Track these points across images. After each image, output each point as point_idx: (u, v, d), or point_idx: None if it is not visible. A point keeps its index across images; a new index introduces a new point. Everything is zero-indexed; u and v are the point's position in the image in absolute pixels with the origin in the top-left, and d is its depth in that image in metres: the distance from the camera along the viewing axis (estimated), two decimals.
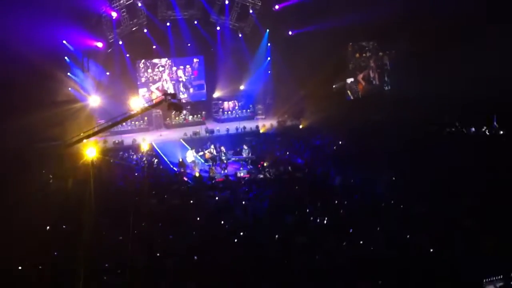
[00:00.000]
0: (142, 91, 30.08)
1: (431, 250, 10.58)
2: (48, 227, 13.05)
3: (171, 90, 28.91)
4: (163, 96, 18.42)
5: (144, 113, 28.65)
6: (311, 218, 13.69)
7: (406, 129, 22.79)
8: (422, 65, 25.90)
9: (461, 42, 23.88)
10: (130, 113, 20.45)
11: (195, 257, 10.92)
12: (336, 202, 14.90)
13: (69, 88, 25.63)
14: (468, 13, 22.89)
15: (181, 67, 30.97)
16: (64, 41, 24.70)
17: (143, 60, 29.80)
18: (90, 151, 19.44)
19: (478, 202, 13.01)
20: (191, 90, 31.42)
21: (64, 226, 13.36)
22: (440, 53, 24.99)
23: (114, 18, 26.00)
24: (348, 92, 31.10)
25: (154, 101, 23.27)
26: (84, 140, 18.46)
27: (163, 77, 30.53)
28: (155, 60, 30.23)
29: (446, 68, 24.58)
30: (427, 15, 24.38)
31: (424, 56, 25.72)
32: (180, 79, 31.00)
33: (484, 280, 8.75)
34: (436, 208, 13.02)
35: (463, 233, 11.19)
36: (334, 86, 30.95)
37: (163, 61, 30.43)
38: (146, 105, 23.56)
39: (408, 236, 11.41)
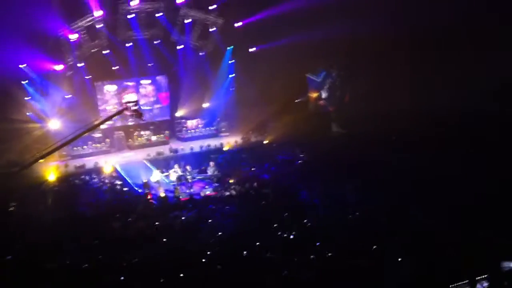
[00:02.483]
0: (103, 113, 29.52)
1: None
2: (8, 257, 12.63)
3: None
4: (125, 105, 18.22)
5: (106, 135, 28.43)
6: (279, 233, 13.74)
7: (367, 141, 23.16)
8: (382, 82, 26.34)
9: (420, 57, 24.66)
10: (87, 126, 19.47)
11: (161, 280, 10.76)
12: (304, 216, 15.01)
13: (27, 113, 25.15)
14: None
15: (142, 88, 30.68)
16: (21, 65, 24.27)
17: (99, 83, 29.28)
18: (51, 175, 19.08)
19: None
20: (153, 110, 31.10)
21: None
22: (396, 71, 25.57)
23: (73, 40, 25.67)
24: (311, 106, 31.41)
25: (116, 111, 22.86)
26: (41, 161, 17.92)
27: (123, 98, 29.85)
28: (112, 85, 29.82)
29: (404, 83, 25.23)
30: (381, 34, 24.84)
31: (379, 74, 26.24)
32: (142, 99, 30.57)
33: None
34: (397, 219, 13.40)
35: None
36: (296, 101, 31.23)
37: (123, 82, 30.00)
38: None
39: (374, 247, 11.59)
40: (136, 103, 18.50)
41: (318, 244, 12.25)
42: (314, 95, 30.89)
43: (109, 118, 22.21)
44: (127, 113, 18.94)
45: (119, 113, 20.10)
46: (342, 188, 17.49)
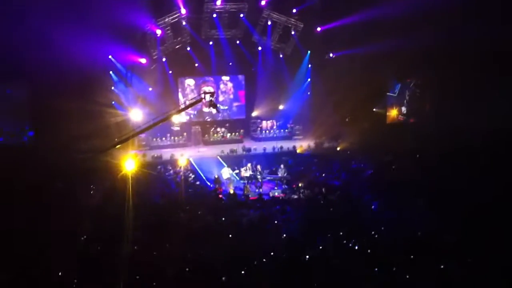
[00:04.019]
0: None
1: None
2: (83, 237, 13.33)
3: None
4: (202, 95, 18.74)
5: (184, 129, 29.40)
6: (344, 242, 13.56)
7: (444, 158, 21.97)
8: (461, 96, 25.09)
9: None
10: (164, 115, 20.05)
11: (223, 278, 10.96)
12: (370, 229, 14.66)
13: (112, 102, 26.44)
14: None
15: (222, 84, 31.45)
16: (110, 56, 25.63)
17: (180, 77, 30.35)
18: (129, 163, 19.84)
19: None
20: (231, 107, 31.78)
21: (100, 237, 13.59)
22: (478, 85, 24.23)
23: (158, 35, 26.76)
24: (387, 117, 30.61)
25: (191, 100, 23.58)
26: (119, 147, 18.70)
27: (202, 89, 30.64)
28: (194, 80, 30.76)
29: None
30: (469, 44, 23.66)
31: (464, 87, 24.93)
32: (221, 95, 31.37)
33: None
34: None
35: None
36: (374, 110, 30.57)
37: (203, 78, 30.91)
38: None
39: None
40: (212, 94, 18.94)
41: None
42: (394, 111, 30.15)
43: (185, 108, 22.97)
44: (203, 103, 19.49)
45: (194, 103, 20.52)
46: (409, 205, 16.81)
